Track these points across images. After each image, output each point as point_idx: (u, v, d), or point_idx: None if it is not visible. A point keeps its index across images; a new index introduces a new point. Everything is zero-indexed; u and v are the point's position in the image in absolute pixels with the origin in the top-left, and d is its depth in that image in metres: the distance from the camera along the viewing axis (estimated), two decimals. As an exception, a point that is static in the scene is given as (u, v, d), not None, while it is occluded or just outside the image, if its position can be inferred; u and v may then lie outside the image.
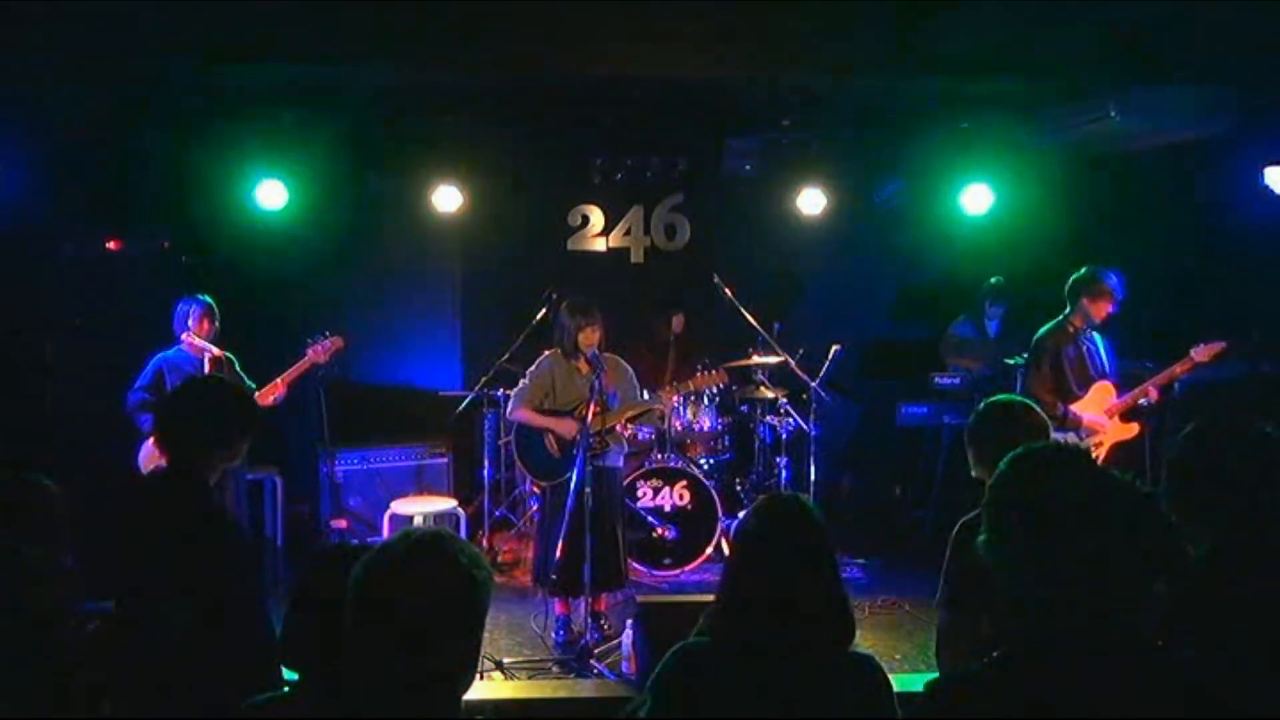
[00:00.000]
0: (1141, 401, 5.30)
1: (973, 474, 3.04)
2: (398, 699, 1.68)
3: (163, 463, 2.82)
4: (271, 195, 6.63)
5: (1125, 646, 1.58)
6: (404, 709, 1.68)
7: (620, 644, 4.69)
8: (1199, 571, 2.17)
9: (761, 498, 2.37)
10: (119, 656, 2.62)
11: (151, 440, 5.37)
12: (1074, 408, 5.26)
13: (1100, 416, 5.30)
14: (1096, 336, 5.46)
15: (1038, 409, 3.07)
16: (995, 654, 1.68)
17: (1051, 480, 1.64)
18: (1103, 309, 5.31)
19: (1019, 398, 3.21)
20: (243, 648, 2.56)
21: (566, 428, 4.95)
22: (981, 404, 3.14)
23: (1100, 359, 5.43)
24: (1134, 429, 5.35)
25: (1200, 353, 5.26)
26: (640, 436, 6.44)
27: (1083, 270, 5.41)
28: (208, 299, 5.52)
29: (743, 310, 6.44)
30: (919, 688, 1.71)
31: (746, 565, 2.18)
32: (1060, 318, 5.44)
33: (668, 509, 6.23)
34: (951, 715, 1.65)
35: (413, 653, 1.68)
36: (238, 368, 5.49)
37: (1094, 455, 5.20)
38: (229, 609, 2.59)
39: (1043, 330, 5.48)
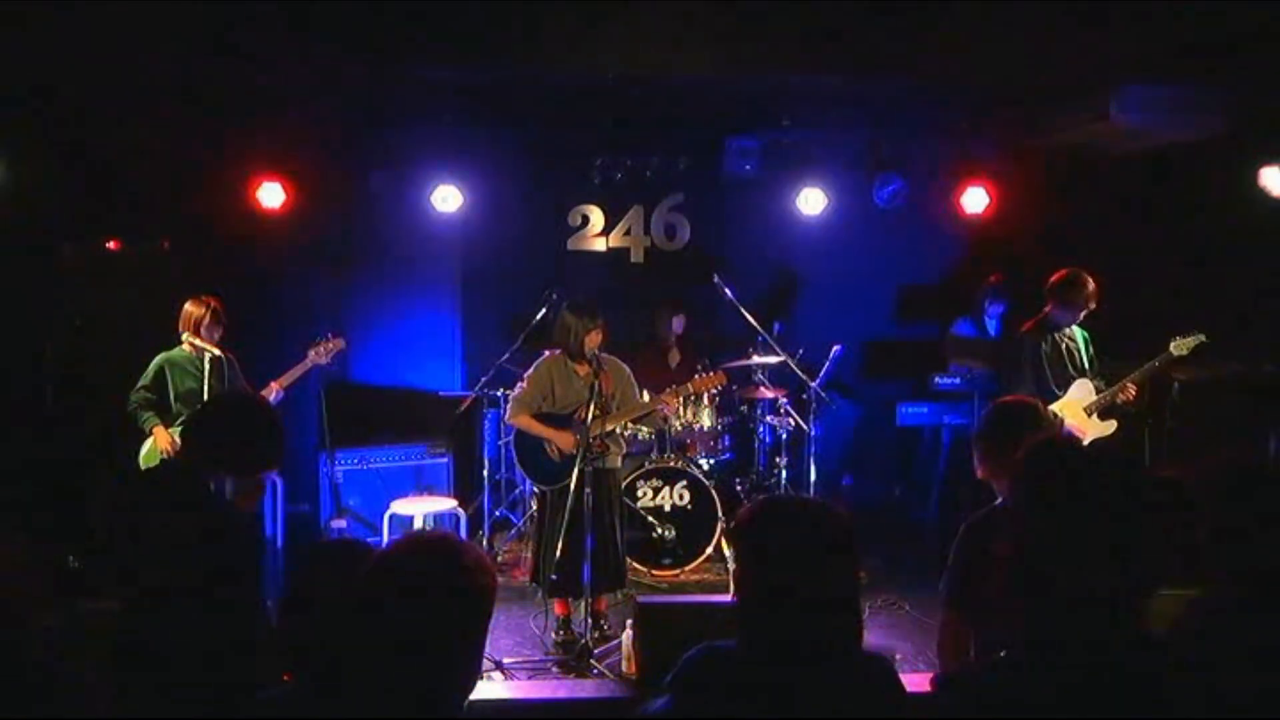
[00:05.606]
0: (1119, 398, 5.25)
1: (978, 474, 3.04)
2: (399, 703, 1.67)
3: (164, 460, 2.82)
4: (271, 195, 6.63)
5: (1132, 647, 1.59)
6: (405, 713, 1.68)
7: (620, 644, 4.68)
8: None
9: (764, 498, 2.32)
10: (124, 653, 2.62)
11: (151, 440, 5.37)
12: (1054, 406, 5.22)
13: (1079, 414, 5.27)
14: (1078, 332, 5.44)
15: (1045, 409, 3.07)
16: (1003, 653, 1.68)
17: (1081, 467, 1.66)
18: (1081, 309, 5.28)
19: (1027, 398, 3.21)
20: (247, 642, 2.56)
21: (565, 441, 4.93)
22: (991, 405, 3.13)
23: (1081, 356, 5.42)
24: (1112, 426, 5.30)
25: (1178, 346, 5.16)
26: (640, 437, 6.44)
27: (1061, 271, 5.39)
28: (215, 300, 5.51)
29: (743, 310, 6.43)
30: (919, 688, 1.71)
31: (772, 561, 2.07)
32: (1040, 316, 5.44)
33: (668, 509, 6.22)
34: (959, 714, 1.65)
35: (415, 657, 1.68)
36: (237, 368, 5.48)
37: None
38: (234, 603, 2.59)
39: (1023, 329, 5.50)
